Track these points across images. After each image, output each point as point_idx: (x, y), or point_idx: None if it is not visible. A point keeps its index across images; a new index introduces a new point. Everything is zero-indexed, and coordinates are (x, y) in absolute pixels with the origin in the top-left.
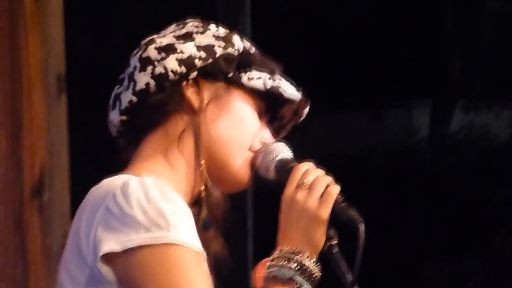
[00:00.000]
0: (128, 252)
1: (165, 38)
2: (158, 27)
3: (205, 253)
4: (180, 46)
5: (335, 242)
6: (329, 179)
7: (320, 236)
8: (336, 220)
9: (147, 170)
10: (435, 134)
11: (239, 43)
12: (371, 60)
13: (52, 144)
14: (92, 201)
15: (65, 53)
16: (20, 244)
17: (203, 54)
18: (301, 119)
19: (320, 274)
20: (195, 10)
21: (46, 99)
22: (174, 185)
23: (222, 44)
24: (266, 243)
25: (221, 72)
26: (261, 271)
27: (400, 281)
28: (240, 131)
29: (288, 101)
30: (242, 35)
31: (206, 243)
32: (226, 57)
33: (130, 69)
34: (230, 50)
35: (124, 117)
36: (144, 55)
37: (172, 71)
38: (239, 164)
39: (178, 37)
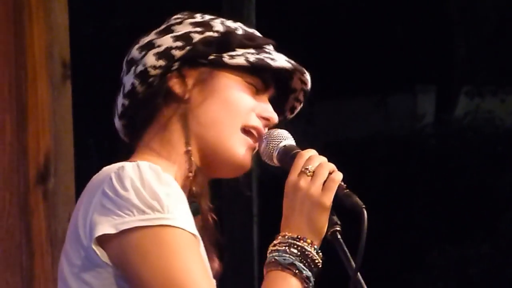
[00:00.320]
0: (122, 234)
1: (148, 36)
2: (162, 13)
3: (200, 238)
4: (158, 40)
5: (338, 228)
6: (332, 166)
7: (323, 223)
8: (339, 207)
9: (144, 160)
10: (440, 119)
11: (219, 26)
12: (376, 46)
13: (57, 131)
14: (91, 187)
15: (69, 39)
16: (26, 231)
17: (179, 43)
18: (308, 85)
19: (322, 261)
20: None
21: (51, 86)
22: (171, 174)
23: (200, 29)
24: (272, 229)
25: (201, 56)
26: None
27: (405, 266)
28: (228, 112)
29: (291, 73)
30: (227, 19)
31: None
32: (204, 41)
33: (121, 73)
34: (208, 33)
35: (123, 121)
36: (129, 58)
37: (151, 66)
38: (233, 146)
39: (158, 33)
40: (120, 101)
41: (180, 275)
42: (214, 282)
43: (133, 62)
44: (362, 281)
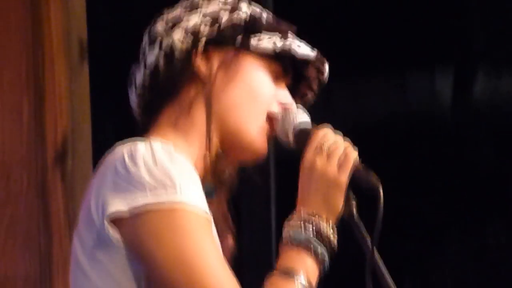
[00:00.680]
0: (134, 213)
1: (175, 10)
2: None
3: (212, 217)
4: (186, 16)
5: (355, 206)
6: (347, 143)
7: (338, 201)
8: (355, 185)
9: (161, 137)
10: (458, 99)
11: (246, 9)
12: (394, 25)
13: (75, 112)
14: (104, 166)
15: (87, 20)
16: (43, 212)
17: (208, 21)
18: (325, 76)
19: (336, 239)
20: None
21: (68, 67)
22: (187, 154)
23: (228, 10)
24: (289, 209)
25: (228, 38)
26: None
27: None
28: (252, 98)
29: (309, 61)
30: (254, 2)
31: (210, 208)
32: (233, 23)
33: (142, 45)
34: (236, 15)
35: (140, 93)
36: (153, 29)
37: (178, 41)
38: (254, 131)
39: (185, 8)
40: (140, 72)
41: (193, 255)
42: (225, 261)
43: (158, 35)
44: (379, 259)
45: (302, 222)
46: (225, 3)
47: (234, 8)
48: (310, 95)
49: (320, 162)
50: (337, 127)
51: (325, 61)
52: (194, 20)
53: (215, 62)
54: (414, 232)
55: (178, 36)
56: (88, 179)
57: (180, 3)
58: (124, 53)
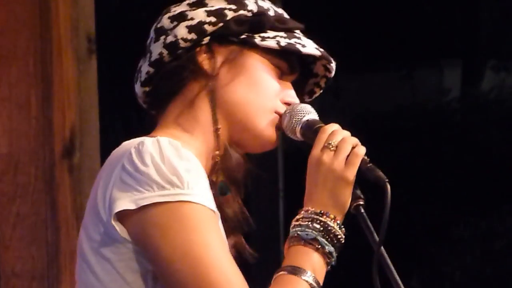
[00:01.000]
0: (142, 209)
1: (180, 7)
2: None
3: (219, 214)
4: (191, 13)
5: (362, 202)
6: (355, 140)
7: (346, 198)
8: (362, 181)
9: (166, 135)
10: (466, 93)
11: (252, 5)
12: (402, 20)
13: (83, 105)
14: (111, 162)
15: (95, 14)
16: (51, 206)
17: (213, 18)
18: (332, 74)
19: (344, 236)
20: None
21: (76, 60)
22: (192, 150)
23: (234, 7)
24: (298, 203)
25: (232, 34)
26: None
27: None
28: (256, 93)
29: (316, 58)
30: None
31: (223, 206)
32: (238, 20)
33: (148, 40)
34: (242, 12)
35: (145, 89)
36: (158, 26)
37: (182, 38)
38: (263, 126)
39: (190, 4)
40: (145, 68)
41: (200, 250)
42: (232, 257)
43: (163, 31)
44: (386, 255)
45: (310, 222)
46: (230, 0)
47: (240, 5)
48: (317, 92)
49: (327, 158)
50: (345, 121)
51: (332, 59)
52: (198, 17)
53: (219, 58)
54: (422, 222)
55: (182, 33)
56: (95, 173)
57: None
58: (132, 47)
